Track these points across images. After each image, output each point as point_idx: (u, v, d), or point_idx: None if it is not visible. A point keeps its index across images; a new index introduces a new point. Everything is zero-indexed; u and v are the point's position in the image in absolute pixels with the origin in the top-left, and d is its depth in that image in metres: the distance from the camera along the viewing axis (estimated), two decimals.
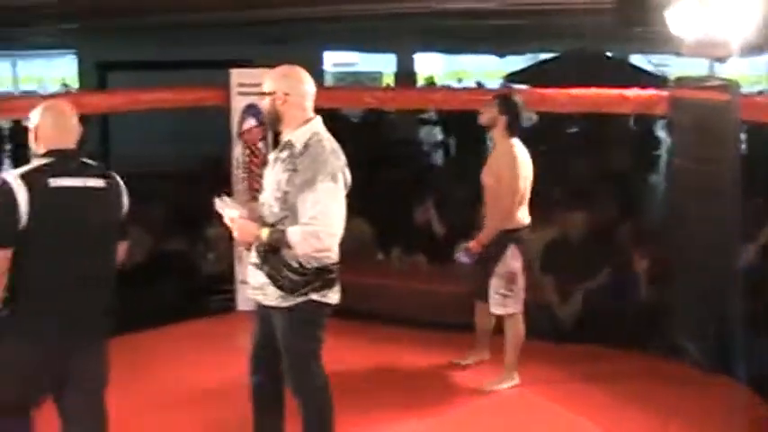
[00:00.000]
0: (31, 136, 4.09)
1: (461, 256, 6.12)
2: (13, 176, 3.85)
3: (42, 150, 4.01)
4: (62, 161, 3.96)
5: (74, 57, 23.48)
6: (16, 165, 16.69)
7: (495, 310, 6.16)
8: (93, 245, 4.02)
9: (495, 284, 6.06)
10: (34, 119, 4.07)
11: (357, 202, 8.49)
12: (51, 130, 4.03)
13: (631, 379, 6.28)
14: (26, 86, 31.26)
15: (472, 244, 6.05)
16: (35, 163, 3.96)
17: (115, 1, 7.96)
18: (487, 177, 6.04)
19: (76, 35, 17.31)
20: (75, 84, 24.56)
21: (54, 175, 3.89)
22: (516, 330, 6.15)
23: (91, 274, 4.02)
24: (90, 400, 4.14)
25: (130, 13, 11.39)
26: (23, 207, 3.78)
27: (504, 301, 6.09)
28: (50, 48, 24.87)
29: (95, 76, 17.84)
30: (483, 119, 6.05)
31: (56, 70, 31.86)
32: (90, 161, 4.14)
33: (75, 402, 4.09)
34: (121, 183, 4.18)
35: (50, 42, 20.73)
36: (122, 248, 4.27)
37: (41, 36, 17.71)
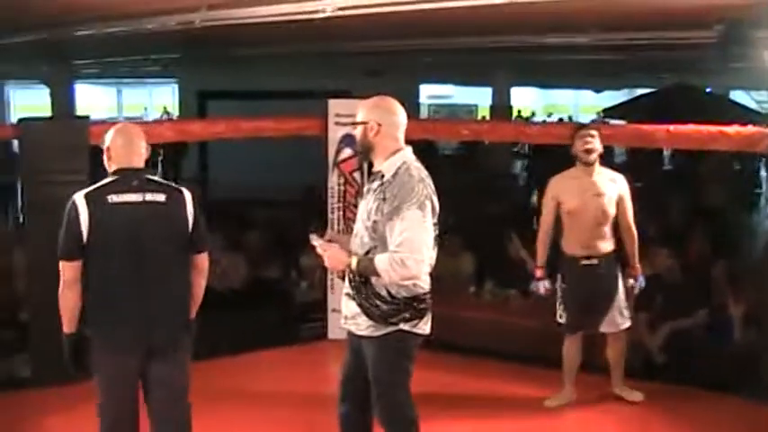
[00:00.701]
0: (105, 156, 4.42)
1: (641, 282, 6.33)
2: (78, 195, 4.24)
3: (113, 169, 4.36)
4: (126, 178, 4.30)
5: (175, 85, 24.04)
6: None
7: (620, 325, 6.33)
8: (154, 256, 4.28)
9: (620, 301, 6.29)
10: (107, 141, 4.41)
11: (462, 236, 8.56)
12: (121, 150, 4.37)
13: (721, 422, 6.16)
14: (130, 113, 32.09)
15: (638, 269, 6.30)
16: (103, 182, 4.33)
17: (216, 32, 8.15)
18: (602, 204, 6.14)
19: (179, 65, 17.71)
20: (175, 111, 25.17)
21: (114, 192, 4.24)
22: (624, 344, 6.42)
23: (154, 283, 4.29)
24: (169, 404, 4.44)
25: (231, 43, 11.63)
26: (84, 222, 4.16)
27: (626, 313, 6.33)
28: (154, 77, 25.52)
29: (196, 104, 18.22)
30: (596, 151, 6.13)
31: (158, 98, 32.69)
32: (156, 178, 4.46)
33: (155, 407, 4.42)
34: (188, 197, 4.44)
35: (154, 72, 21.27)
36: (202, 261, 4.52)
37: (145, 65, 18.17)
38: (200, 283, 4.57)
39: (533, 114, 32.88)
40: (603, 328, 6.33)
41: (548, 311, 7.60)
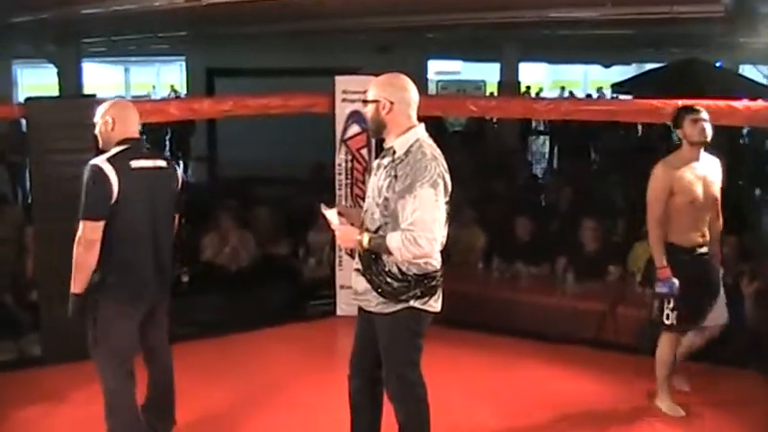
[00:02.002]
0: (98, 129, 4.85)
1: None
2: (102, 162, 4.63)
3: (118, 139, 4.76)
4: (136, 147, 4.79)
5: (183, 63, 24.03)
6: None
7: (725, 317, 6.01)
8: (162, 213, 4.88)
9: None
10: (107, 114, 4.81)
11: (472, 211, 8.54)
12: (127, 121, 4.84)
13: (735, 396, 6.15)
14: (137, 92, 32.10)
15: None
16: (116, 149, 4.73)
17: (224, 10, 8.15)
18: (714, 189, 5.75)
19: (186, 43, 17.70)
20: (183, 89, 25.17)
21: (133, 158, 4.72)
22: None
23: (161, 237, 4.86)
24: (164, 334, 5.13)
25: (239, 21, 11.62)
26: (114, 185, 4.58)
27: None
28: (161, 55, 25.50)
29: (204, 82, 18.23)
30: (710, 134, 5.69)
31: (166, 76, 32.67)
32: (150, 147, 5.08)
33: (155, 336, 5.06)
34: (175, 164, 5.14)
35: (161, 50, 21.25)
36: (177, 219, 5.13)
37: (153, 43, 18.17)
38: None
39: (563, 89, 32.44)
40: (710, 322, 5.88)
41: (555, 289, 7.70)
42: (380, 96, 4.34)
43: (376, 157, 4.62)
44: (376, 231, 4.29)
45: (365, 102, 4.45)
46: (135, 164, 4.69)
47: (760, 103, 6.87)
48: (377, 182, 4.34)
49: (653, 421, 5.78)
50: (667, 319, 5.72)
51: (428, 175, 4.16)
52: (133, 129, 4.85)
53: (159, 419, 5.10)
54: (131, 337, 4.83)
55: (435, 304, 4.38)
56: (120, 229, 4.64)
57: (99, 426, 4.75)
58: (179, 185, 5.03)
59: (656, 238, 5.66)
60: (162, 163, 4.88)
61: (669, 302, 5.68)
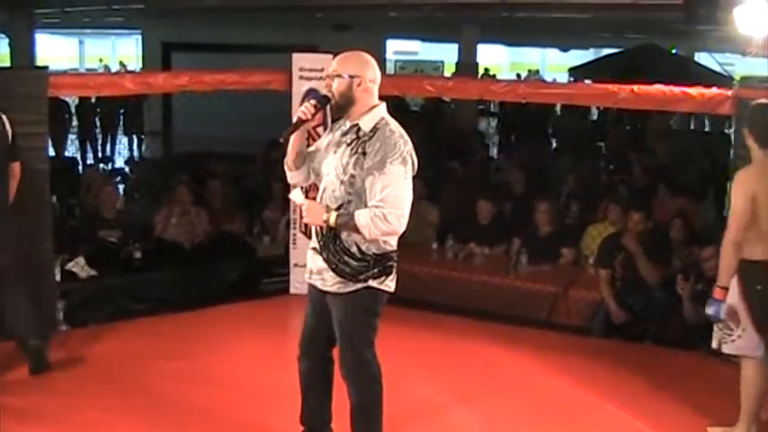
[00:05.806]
0: None
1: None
2: None
3: None
4: None
5: (138, 37, 23.80)
6: (82, 140, 16.96)
7: None
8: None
9: None
10: None
11: (425, 189, 8.51)
12: None
13: (677, 376, 6.27)
14: (91, 65, 31.72)
15: None
16: None
17: None
18: None
19: (142, 16, 17.50)
20: (133, 63, 24.89)
21: None
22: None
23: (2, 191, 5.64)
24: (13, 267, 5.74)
25: None
26: None
27: None
28: (116, 28, 25.21)
29: (159, 56, 18.03)
30: None
31: (121, 49, 32.35)
32: None
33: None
34: (5, 117, 5.77)
35: (116, 22, 21.01)
36: (16, 168, 5.84)
37: (108, 16, 17.95)
38: (14, 186, 5.81)
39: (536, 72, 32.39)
40: None
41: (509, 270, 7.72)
42: (358, 72, 4.30)
43: (326, 134, 4.60)
44: (338, 209, 4.26)
45: (336, 76, 4.34)
46: None
47: (714, 90, 6.93)
48: (339, 159, 4.30)
49: (600, 403, 5.84)
50: (724, 343, 5.12)
51: (398, 152, 4.16)
52: None
53: (32, 330, 5.79)
54: None
55: (391, 284, 4.37)
56: None
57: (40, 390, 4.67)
58: (9, 138, 5.75)
59: (730, 253, 4.93)
60: None
61: (730, 325, 5.02)
